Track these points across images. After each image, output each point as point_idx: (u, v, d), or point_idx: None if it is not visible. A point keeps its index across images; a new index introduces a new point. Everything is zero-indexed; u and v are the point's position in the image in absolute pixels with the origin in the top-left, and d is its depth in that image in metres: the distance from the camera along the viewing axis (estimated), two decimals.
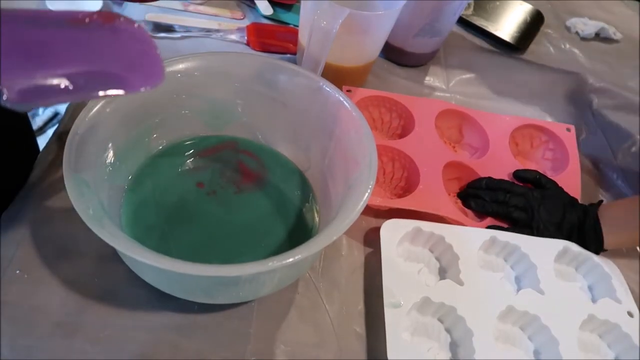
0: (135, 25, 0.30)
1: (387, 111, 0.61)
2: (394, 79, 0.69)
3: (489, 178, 0.55)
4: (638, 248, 0.54)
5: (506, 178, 0.56)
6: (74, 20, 0.28)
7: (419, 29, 0.66)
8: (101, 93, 0.28)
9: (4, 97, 0.24)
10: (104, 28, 0.29)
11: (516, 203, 0.52)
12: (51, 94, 0.26)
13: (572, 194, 0.54)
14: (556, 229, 0.51)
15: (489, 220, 0.53)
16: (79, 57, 0.28)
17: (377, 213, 0.52)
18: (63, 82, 0.27)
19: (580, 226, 0.51)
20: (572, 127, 0.62)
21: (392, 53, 0.71)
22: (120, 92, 0.28)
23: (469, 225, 0.51)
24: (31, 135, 0.59)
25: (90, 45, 0.29)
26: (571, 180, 0.57)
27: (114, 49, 0.29)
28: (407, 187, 0.54)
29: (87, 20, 0.29)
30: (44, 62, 0.27)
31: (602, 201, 0.52)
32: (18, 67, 0.26)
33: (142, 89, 0.29)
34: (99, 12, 0.29)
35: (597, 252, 0.50)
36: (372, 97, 0.60)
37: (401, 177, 0.56)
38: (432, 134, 0.57)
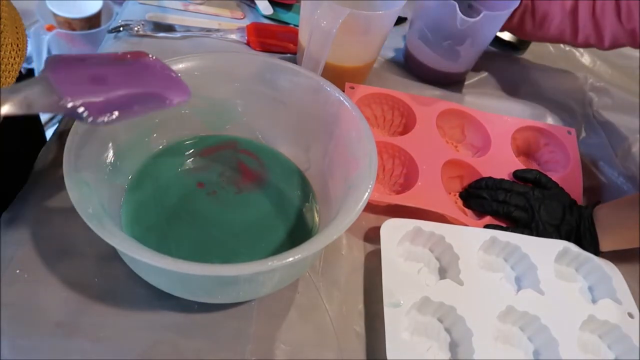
0: (154, 57, 0.38)
1: (389, 109, 0.61)
2: (394, 79, 0.69)
3: (490, 178, 0.55)
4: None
5: (507, 178, 0.56)
6: (118, 58, 0.37)
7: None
8: (154, 108, 0.36)
9: (86, 115, 0.31)
10: (138, 62, 0.37)
11: (517, 202, 0.52)
12: (119, 110, 0.33)
13: (573, 197, 0.54)
14: (555, 230, 0.51)
15: (488, 219, 0.53)
16: (129, 83, 0.35)
17: (377, 212, 0.52)
18: (125, 100, 0.34)
19: (577, 228, 0.51)
20: (573, 130, 0.62)
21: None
22: (165, 106, 0.36)
23: (467, 223, 0.51)
24: (37, 132, 0.60)
25: (134, 74, 0.36)
26: (572, 183, 0.57)
27: (149, 76, 0.37)
28: (406, 184, 0.55)
29: (128, 56, 0.37)
30: (107, 89, 0.34)
31: (597, 202, 0.52)
32: (90, 93, 0.33)
33: (176, 102, 0.36)
34: (132, 52, 0.38)
35: (595, 254, 0.50)
36: (375, 94, 0.60)
37: (400, 173, 0.56)
38: (433, 133, 0.58)
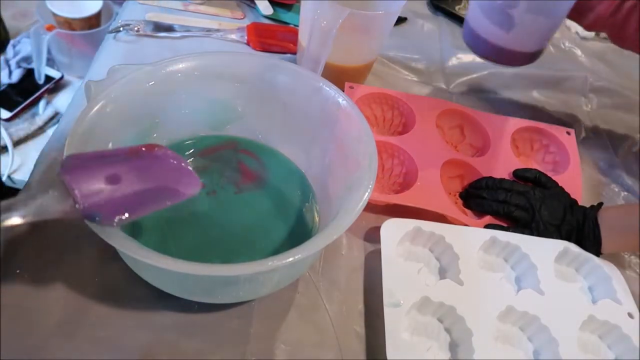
0: (167, 150, 0.38)
1: (389, 108, 0.61)
2: (394, 79, 0.69)
3: (490, 177, 0.55)
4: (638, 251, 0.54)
5: (507, 178, 0.56)
6: (132, 151, 0.37)
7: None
8: (166, 204, 0.36)
9: (99, 219, 0.32)
10: (151, 155, 0.37)
11: (517, 202, 0.52)
12: (131, 210, 0.34)
13: (573, 197, 0.54)
14: (555, 230, 0.51)
15: (488, 219, 0.53)
16: (143, 179, 0.36)
17: (377, 212, 0.52)
18: (138, 198, 0.35)
19: (580, 229, 0.51)
20: (572, 131, 0.62)
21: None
22: (177, 201, 0.36)
23: (467, 223, 0.51)
24: None
25: (147, 169, 0.36)
26: (572, 183, 0.57)
27: (162, 169, 0.37)
28: (405, 183, 0.55)
29: (143, 149, 0.37)
30: (121, 188, 0.34)
31: (601, 204, 0.52)
32: (104, 195, 0.34)
33: (188, 195, 0.36)
34: (146, 145, 0.37)
35: (596, 255, 0.50)
36: (375, 94, 0.60)
37: (400, 173, 0.56)
38: (433, 132, 0.58)
